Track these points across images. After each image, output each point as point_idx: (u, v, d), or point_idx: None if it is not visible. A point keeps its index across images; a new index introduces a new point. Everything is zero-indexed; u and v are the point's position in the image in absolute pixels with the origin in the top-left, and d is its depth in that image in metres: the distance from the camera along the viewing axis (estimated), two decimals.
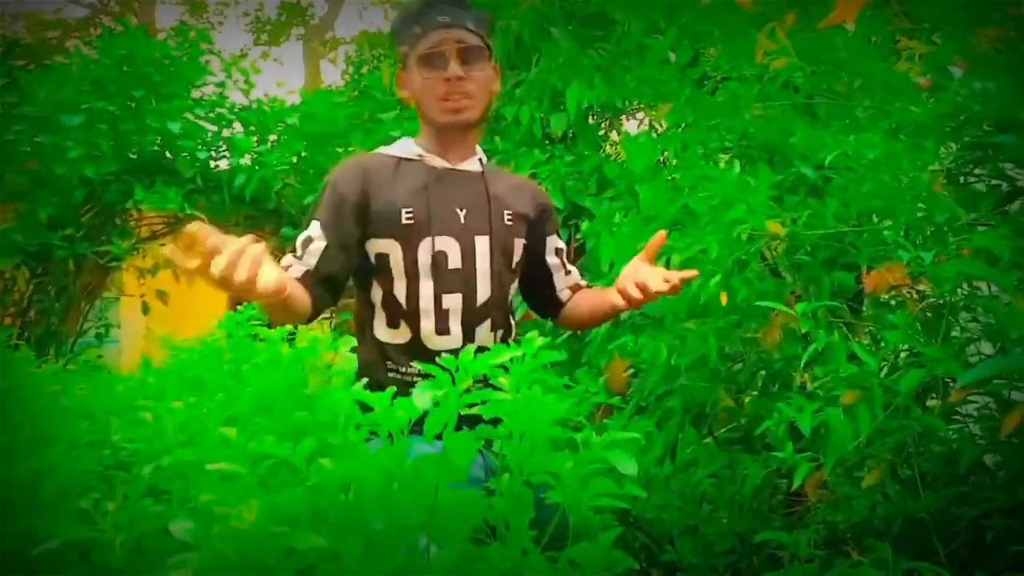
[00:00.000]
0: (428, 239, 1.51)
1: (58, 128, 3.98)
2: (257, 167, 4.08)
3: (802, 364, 1.21)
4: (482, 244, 1.55)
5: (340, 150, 4.04)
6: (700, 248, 1.30)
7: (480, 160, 1.64)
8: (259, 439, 0.60)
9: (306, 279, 1.45)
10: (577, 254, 2.46)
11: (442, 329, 1.52)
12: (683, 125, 1.54)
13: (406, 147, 1.61)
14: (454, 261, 1.53)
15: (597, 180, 2.28)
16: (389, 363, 1.52)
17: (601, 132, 2.61)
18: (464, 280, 1.53)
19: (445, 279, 1.52)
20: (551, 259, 1.70)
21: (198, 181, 4.17)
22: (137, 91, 4.02)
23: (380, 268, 1.53)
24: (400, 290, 1.52)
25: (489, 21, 1.64)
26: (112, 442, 1.37)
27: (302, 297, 1.43)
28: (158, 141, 4.09)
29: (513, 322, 1.66)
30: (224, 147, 4.36)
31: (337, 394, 0.69)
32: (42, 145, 3.96)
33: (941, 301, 1.21)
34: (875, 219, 1.30)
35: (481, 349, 1.55)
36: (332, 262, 1.47)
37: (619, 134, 3.59)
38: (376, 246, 1.53)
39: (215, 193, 4.24)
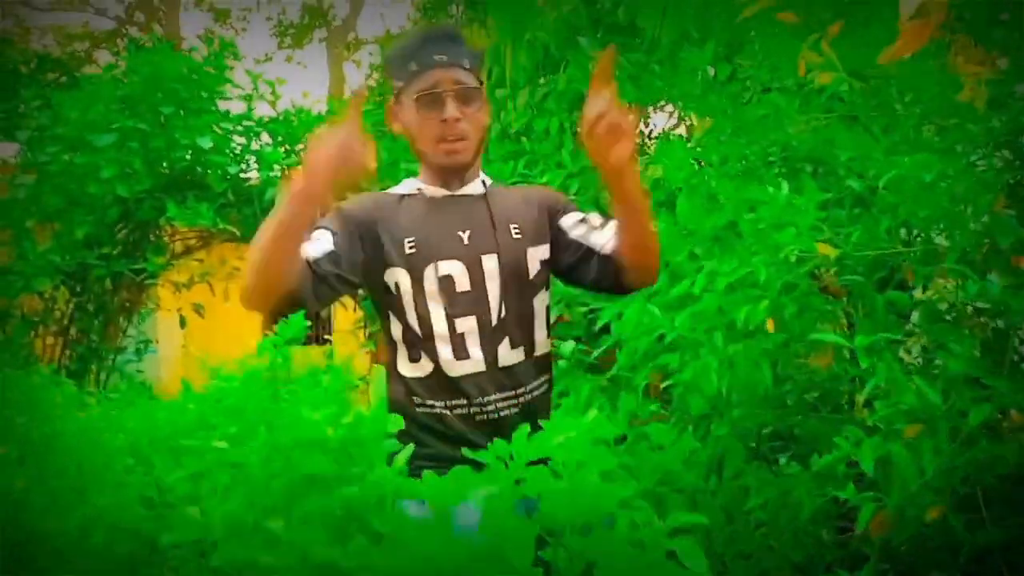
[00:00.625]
0: (432, 265, 1.51)
1: (90, 148, 4.02)
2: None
3: (862, 399, 1.15)
4: (490, 263, 1.53)
5: None
6: (747, 271, 1.26)
7: (483, 182, 1.62)
8: (308, 529, 0.58)
9: (305, 266, 1.39)
10: None
11: (461, 355, 1.50)
12: (722, 137, 1.49)
13: (407, 185, 1.62)
14: (462, 284, 1.52)
15: None
16: (416, 398, 1.52)
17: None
18: (475, 301, 1.52)
19: (456, 303, 1.51)
20: (577, 232, 1.60)
21: (229, 195, 4.19)
22: (166, 107, 4.05)
23: (393, 300, 1.53)
24: (414, 320, 1.52)
25: (481, 57, 1.63)
26: (157, 483, 1.38)
27: (296, 266, 1.37)
28: (188, 156, 4.12)
29: (540, 338, 1.61)
30: (253, 160, 4.39)
31: (384, 473, 0.67)
32: (75, 165, 4.01)
33: (1002, 325, 1.15)
34: (932, 236, 1.24)
35: (505, 369, 1.55)
36: (330, 265, 1.43)
37: (647, 126, 3.54)
38: (388, 276, 1.52)
39: (246, 206, 4.27)
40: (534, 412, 1.55)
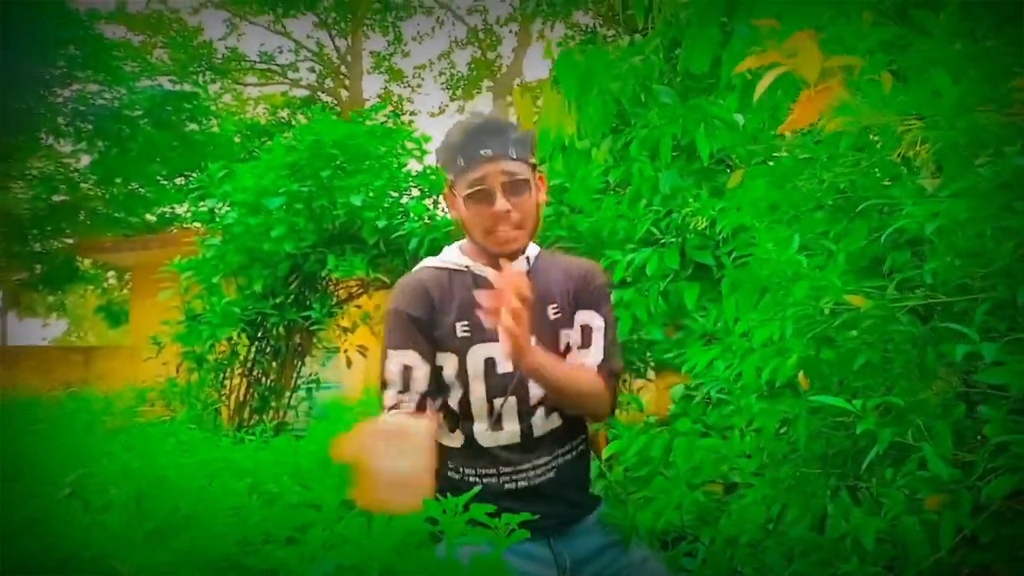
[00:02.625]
0: (477, 346, 1.55)
1: (265, 210, 4.55)
2: (428, 229, 4.38)
3: (863, 467, 1.08)
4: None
5: None
6: (775, 327, 1.22)
7: (528, 258, 1.64)
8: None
9: (423, 403, 1.51)
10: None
11: (496, 428, 1.56)
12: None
13: (451, 257, 1.66)
14: (503, 365, 1.56)
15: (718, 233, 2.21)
16: (450, 463, 1.59)
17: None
18: (514, 380, 1.55)
19: (495, 383, 1.56)
20: (571, 334, 1.64)
21: (381, 247, 4.55)
22: (324, 171, 4.49)
23: (439, 378, 1.59)
24: (454, 399, 1.58)
25: (531, 140, 1.63)
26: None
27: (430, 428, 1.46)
28: (343, 214, 4.52)
29: None
30: (403, 213, 4.73)
31: None
32: (252, 226, 4.55)
33: None
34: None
35: (539, 439, 1.58)
36: (433, 380, 1.54)
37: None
38: (438, 358, 1.58)
39: (396, 257, 4.61)
40: (569, 475, 1.59)
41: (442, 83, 19.68)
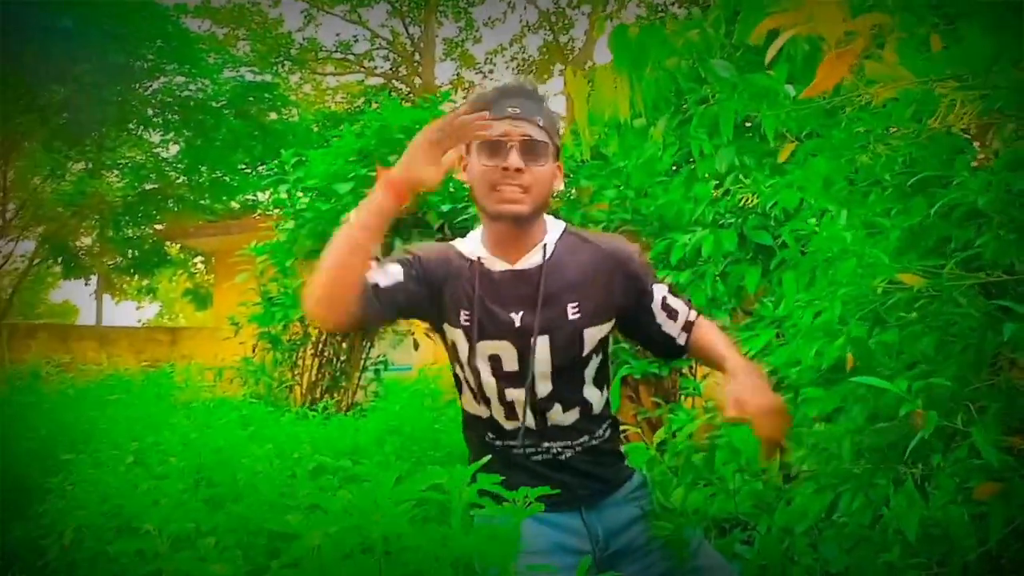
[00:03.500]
0: (482, 343, 1.51)
1: (335, 195, 4.65)
2: None
3: (907, 452, 1.01)
4: (542, 344, 1.51)
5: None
6: (824, 307, 1.17)
7: (545, 247, 1.55)
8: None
9: (369, 288, 1.44)
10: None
11: (511, 416, 1.53)
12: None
13: (472, 244, 1.59)
14: (509, 364, 1.51)
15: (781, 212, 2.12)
16: (476, 429, 1.59)
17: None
18: (523, 378, 1.51)
19: (504, 377, 1.52)
20: (661, 318, 1.59)
21: (445, 230, 4.59)
22: (391, 156, 4.56)
23: (454, 352, 1.58)
24: (470, 378, 1.56)
25: (557, 122, 1.58)
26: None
27: (360, 278, 1.42)
28: None
29: (596, 397, 1.59)
30: (467, 197, 4.76)
31: None
32: (322, 211, 4.66)
33: None
34: None
35: (556, 427, 1.54)
36: (395, 295, 1.47)
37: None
38: (449, 333, 1.56)
39: None
40: (595, 455, 1.56)
41: (514, 68, 19.70)
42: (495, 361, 1.52)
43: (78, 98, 12.00)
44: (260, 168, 15.32)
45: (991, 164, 1.06)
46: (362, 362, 5.32)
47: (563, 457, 1.53)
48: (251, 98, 14.45)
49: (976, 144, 1.11)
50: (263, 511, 1.28)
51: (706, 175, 2.13)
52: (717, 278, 2.32)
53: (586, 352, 1.54)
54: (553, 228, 1.61)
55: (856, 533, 1.15)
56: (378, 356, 5.38)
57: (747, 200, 1.45)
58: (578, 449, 1.55)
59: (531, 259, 1.55)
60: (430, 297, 1.52)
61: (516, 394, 1.52)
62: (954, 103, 0.93)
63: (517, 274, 1.54)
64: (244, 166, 15.28)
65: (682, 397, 4.01)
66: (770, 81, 1.84)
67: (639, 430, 3.34)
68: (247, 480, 1.45)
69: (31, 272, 15.92)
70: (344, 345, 5.27)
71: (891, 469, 1.21)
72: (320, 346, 5.21)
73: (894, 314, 1.10)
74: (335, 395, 5.07)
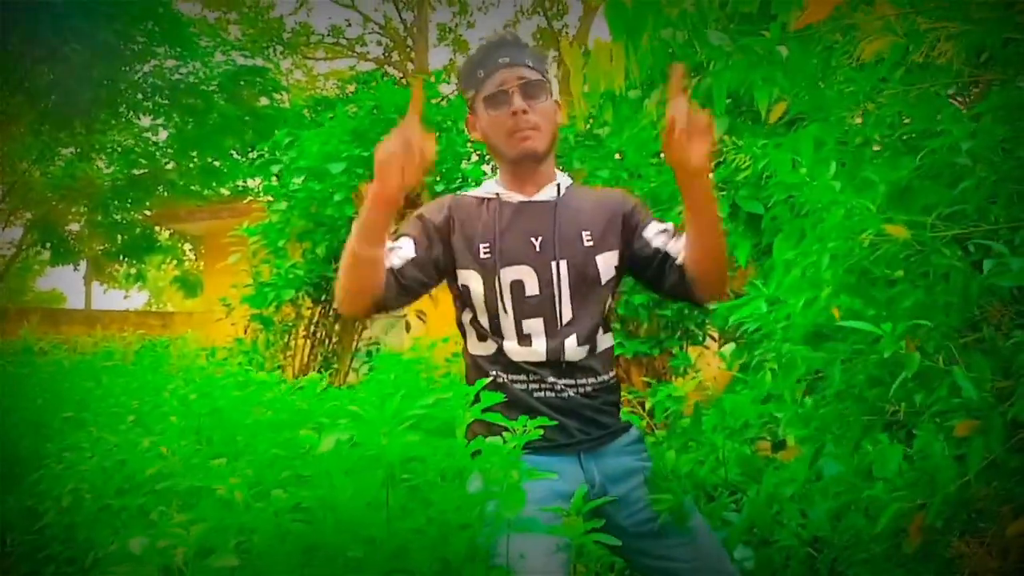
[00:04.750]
0: (504, 269, 1.60)
1: (328, 175, 4.65)
2: None
3: (891, 392, 1.04)
4: (561, 268, 1.60)
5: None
6: (811, 261, 1.20)
7: (558, 185, 1.69)
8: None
9: (388, 274, 1.53)
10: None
11: (525, 344, 1.59)
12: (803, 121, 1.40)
13: (487, 187, 1.71)
14: (531, 288, 1.60)
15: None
16: (481, 370, 1.63)
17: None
18: (543, 304, 1.59)
19: (524, 306, 1.59)
20: (659, 241, 1.64)
21: None
22: (384, 136, 4.56)
23: (466, 297, 1.64)
24: (483, 318, 1.63)
25: (546, 60, 1.72)
26: None
27: (381, 274, 1.50)
28: None
29: (603, 335, 1.66)
30: (461, 178, 4.78)
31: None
32: (315, 191, 4.66)
33: None
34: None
35: (569, 363, 1.60)
36: (413, 271, 1.56)
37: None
38: (461, 277, 1.64)
39: None
40: (598, 400, 1.61)
41: None
42: (517, 287, 1.60)
43: (67, 80, 11.89)
44: (251, 154, 15.24)
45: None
46: (354, 344, 5.34)
47: (566, 396, 1.58)
48: (242, 82, 14.33)
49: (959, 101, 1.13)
50: (267, 461, 1.30)
51: None
52: None
53: (604, 280, 1.64)
54: (562, 175, 1.75)
55: (841, 478, 1.18)
56: (371, 339, 5.39)
57: (741, 161, 1.48)
58: (582, 391, 1.60)
59: (547, 192, 1.68)
60: (444, 245, 1.62)
61: (535, 325, 1.59)
62: (937, 39, 0.95)
63: (535, 204, 1.67)
64: (235, 152, 15.20)
65: (673, 377, 4.05)
66: (764, 42, 1.87)
67: (630, 409, 3.38)
68: (247, 440, 1.47)
69: (18, 259, 15.81)
70: (336, 327, 5.28)
71: (875, 409, 1.24)
72: (312, 327, 5.22)
73: (880, 268, 1.13)
74: (328, 375, 5.09)
